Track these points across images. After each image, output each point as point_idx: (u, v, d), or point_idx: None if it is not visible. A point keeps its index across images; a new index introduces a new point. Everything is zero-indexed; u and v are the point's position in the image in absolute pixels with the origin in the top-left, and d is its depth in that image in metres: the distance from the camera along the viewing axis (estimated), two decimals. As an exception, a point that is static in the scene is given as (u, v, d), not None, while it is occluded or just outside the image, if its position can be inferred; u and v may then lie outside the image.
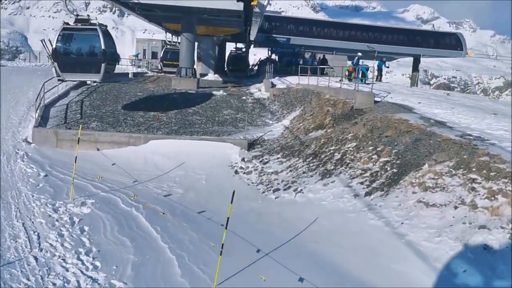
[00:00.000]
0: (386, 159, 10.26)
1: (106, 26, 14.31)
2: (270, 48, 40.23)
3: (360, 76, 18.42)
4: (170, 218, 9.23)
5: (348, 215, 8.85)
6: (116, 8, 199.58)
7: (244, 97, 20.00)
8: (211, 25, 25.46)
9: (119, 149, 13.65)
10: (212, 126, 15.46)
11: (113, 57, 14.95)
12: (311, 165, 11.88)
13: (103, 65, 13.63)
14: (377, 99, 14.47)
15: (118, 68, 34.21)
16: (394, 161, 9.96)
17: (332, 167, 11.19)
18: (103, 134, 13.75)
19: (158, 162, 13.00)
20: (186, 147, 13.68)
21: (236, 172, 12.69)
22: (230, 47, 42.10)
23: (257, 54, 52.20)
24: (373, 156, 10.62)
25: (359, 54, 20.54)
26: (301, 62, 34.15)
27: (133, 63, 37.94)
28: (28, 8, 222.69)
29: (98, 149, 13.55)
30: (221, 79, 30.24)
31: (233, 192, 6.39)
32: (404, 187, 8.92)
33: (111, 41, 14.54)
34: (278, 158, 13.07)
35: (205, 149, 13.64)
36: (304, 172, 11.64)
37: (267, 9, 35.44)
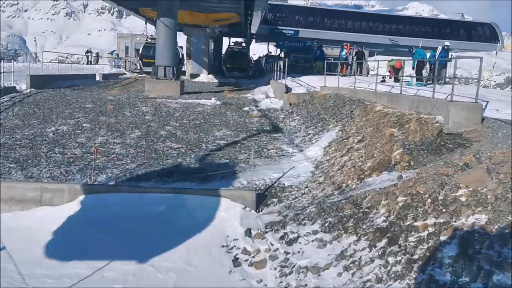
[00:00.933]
0: None
1: None
2: (276, 43, 34.05)
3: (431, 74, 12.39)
4: None
5: None
6: (115, 10, 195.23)
7: (247, 108, 13.83)
8: (200, 10, 19.33)
9: (23, 212, 7.54)
10: (195, 161, 9.32)
11: None
12: (389, 259, 5.73)
13: None
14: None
15: (87, 69, 28.24)
16: None
17: (448, 275, 5.05)
18: (-8, 186, 7.58)
19: (90, 242, 6.89)
20: (146, 208, 7.59)
21: (236, 261, 6.62)
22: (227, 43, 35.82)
23: (256, 54, 45.06)
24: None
25: (447, 43, 14.34)
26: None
27: (112, 62, 32.02)
28: (26, 10, 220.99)
29: (-17, 214, 7.46)
30: (216, 81, 24.17)
31: None
32: None
33: None
34: (314, 232, 6.92)
35: (180, 211, 7.56)
36: (376, 278, 5.53)
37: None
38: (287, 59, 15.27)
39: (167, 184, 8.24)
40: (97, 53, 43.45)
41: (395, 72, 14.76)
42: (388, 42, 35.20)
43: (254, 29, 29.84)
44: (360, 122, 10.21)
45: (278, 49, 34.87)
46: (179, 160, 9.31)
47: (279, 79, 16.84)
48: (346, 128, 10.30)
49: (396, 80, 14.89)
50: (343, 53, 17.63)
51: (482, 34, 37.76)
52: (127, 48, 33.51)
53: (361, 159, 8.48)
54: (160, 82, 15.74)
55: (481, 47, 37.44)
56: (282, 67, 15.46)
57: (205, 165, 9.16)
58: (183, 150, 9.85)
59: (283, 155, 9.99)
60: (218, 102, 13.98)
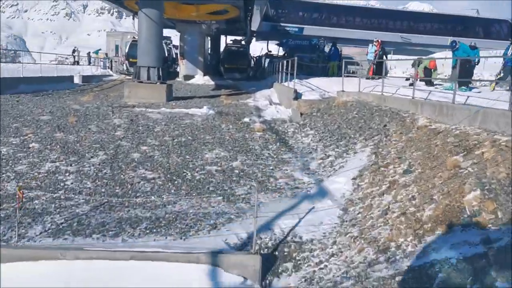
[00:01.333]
0: None
1: None
2: (279, 41, 31.44)
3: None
4: None
5: None
6: (115, 10, 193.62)
7: (247, 118, 11.21)
8: (193, 2, 16.72)
9: None
10: (174, 200, 6.69)
11: None
12: None
13: None
14: None
15: (70, 70, 25.61)
16: None
17: None
18: None
19: None
20: (95, 281, 4.96)
21: None
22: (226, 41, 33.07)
23: (255, 54, 41.82)
24: None
25: None
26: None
27: (100, 62, 29.47)
28: (26, 11, 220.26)
29: None
30: (212, 83, 21.62)
31: None
32: None
33: None
34: (357, 336, 4.29)
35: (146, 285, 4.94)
36: None
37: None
38: (296, 58, 12.60)
39: (130, 240, 5.61)
40: (89, 53, 40.67)
41: (427, 74, 12.13)
42: (399, 40, 32.59)
43: (254, 26, 27.27)
44: (400, 142, 7.58)
45: (280, 48, 32.28)
46: (152, 198, 6.67)
47: (285, 81, 14.25)
48: (380, 149, 7.65)
49: (430, 83, 12.27)
50: (373, 50, 14.99)
51: (500, 31, 35.17)
52: (117, 47, 30.89)
53: (413, 202, 5.84)
54: (143, 86, 13.13)
55: (499, 45, 34.78)
56: (289, 67, 12.86)
57: (188, 206, 6.52)
58: (160, 182, 7.22)
59: (296, 187, 7.35)
60: (211, 112, 11.35)
